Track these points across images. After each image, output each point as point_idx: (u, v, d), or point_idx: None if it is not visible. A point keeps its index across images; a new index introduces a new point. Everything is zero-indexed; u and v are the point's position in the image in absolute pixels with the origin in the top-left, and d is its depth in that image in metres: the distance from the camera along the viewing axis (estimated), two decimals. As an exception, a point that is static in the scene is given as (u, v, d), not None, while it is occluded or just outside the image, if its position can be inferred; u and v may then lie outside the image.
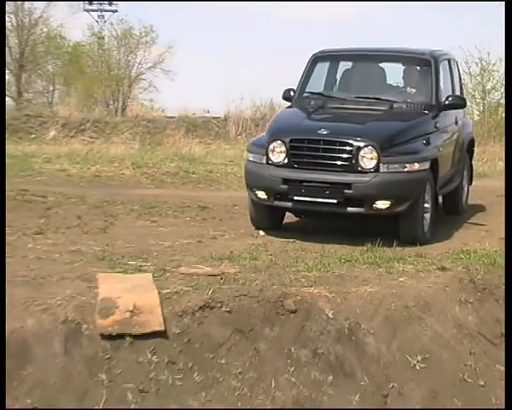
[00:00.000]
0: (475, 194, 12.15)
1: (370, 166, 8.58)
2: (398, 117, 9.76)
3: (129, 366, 5.46)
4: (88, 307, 5.73)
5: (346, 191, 8.57)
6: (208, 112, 30.32)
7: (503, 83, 26.08)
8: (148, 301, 5.88)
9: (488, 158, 20.34)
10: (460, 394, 5.97)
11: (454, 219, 10.52)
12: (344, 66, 10.78)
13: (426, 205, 9.03)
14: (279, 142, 8.91)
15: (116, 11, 45.29)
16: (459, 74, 11.55)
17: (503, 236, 9.07)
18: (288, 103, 10.54)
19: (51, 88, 40.79)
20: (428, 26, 66.42)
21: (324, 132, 8.80)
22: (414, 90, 10.16)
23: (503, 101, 26.26)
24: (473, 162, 12.19)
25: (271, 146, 8.93)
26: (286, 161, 8.85)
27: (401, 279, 7.01)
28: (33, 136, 24.23)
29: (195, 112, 30.15)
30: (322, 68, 10.60)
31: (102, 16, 45.51)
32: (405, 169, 8.69)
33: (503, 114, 25.90)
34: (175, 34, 61.01)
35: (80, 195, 11.05)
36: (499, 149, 22.08)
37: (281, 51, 64.26)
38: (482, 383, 6.12)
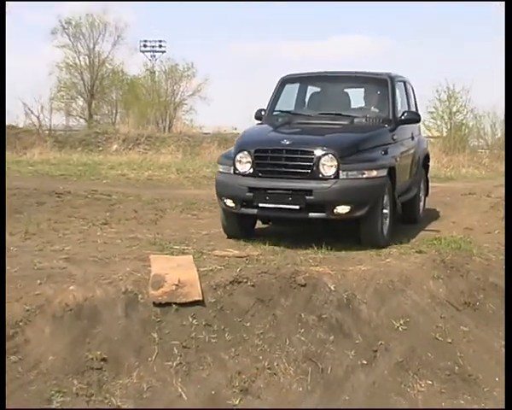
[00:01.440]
0: (445, 193, 12.07)
1: (330, 173, 7.30)
2: (358, 129, 8.46)
3: (175, 328, 5.44)
4: (143, 281, 5.72)
5: (308, 197, 7.28)
6: (235, 129, 30.30)
7: (465, 106, 26.15)
8: (190, 277, 5.85)
9: (454, 165, 20.33)
10: (433, 349, 5.92)
11: (425, 211, 10.40)
12: (312, 88, 9.60)
13: (385, 211, 7.82)
14: (245, 152, 7.63)
15: (164, 52, 45.77)
16: (414, 97, 10.14)
17: (468, 226, 9.06)
18: None
19: (114, 111, 40.95)
20: (402, 60, 66.00)
21: (287, 143, 7.55)
22: (375, 109, 8.90)
23: (465, 121, 26.29)
24: (428, 176, 10.64)
25: (238, 157, 7.64)
26: (251, 170, 7.55)
27: (388, 260, 6.97)
28: (100, 148, 24.30)
29: (226, 129, 30.15)
30: (293, 90, 9.36)
31: (154, 56, 45.97)
32: (364, 175, 7.43)
33: (466, 131, 25.98)
34: (211, 68, 60.83)
35: (136, 194, 11.05)
36: (462, 158, 22.05)
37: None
38: (450, 340, 6.05)
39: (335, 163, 7.29)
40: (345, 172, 7.30)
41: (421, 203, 9.98)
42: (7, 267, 5.73)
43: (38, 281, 5.45)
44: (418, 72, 54.46)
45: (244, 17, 75.41)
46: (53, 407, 4.32)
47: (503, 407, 4.57)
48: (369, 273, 6.50)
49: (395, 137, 8.47)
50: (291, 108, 9.13)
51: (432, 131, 26.80)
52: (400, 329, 6.00)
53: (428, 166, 10.63)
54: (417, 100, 10.05)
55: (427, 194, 10.34)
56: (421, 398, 5.37)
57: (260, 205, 7.45)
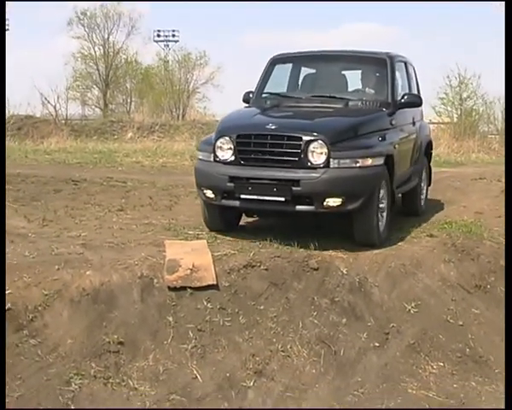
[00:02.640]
0: (455, 178, 11.97)
1: (320, 162, 6.39)
2: (352, 113, 7.50)
3: (189, 311, 5.44)
4: (158, 266, 5.72)
5: (295, 188, 6.38)
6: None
7: (476, 92, 25.98)
8: (204, 262, 5.86)
9: (464, 151, 20.19)
10: (444, 331, 5.92)
11: (435, 196, 10.34)
12: (305, 69, 8.55)
13: (381, 204, 6.93)
14: (226, 138, 6.73)
15: (178, 41, 45.73)
16: (416, 79, 9.11)
17: (478, 210, 9.00)
18: None
19: (129, 100, 40.97)
20: (414, 47, 65.55)
21: (272, 127, 6.62)
22: (372, 91, 7.96)
23: (475, 107, 26.12)
24: (431, 164, 9.66)
25: (218, 143, 6.75)
26: (233, 158, 6.66)
27: (399, 244, 6.95)
28: (116, 136, 24.32)
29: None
30: (285, 71, 8.39)
31: (167, 45, 45.97)
32: (357, 164, 6.51)
33: (476, 117, 25.80)
34: (224, 56, 60.78)
35: (151, 181, 11.04)
36: (472, 143, 21.90)
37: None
38: (461, 323, 6.07)
39: (325, 150, 6.40)
40: (336, 161, 6.42)
41: (423, 194, 9.12)
42: (25, 253, 5.77)
43: (56, 266, 5.47)
44: (430, 59, 54.15)
45: (258, 6, 75.04)
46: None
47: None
48: (380, 257, 6.49)
49: (394, 121, 7.57)
50: (282, 90, 8.23)
51: (442, 116, 26.66)
52: (412, 311, 6.00)
53: (431, 153, 9.70)
54: (419, 82, 9.17)
55: (429, 184, 9.48)
56: (432, 379, 5.36)
57: (242, 196, 6.58)
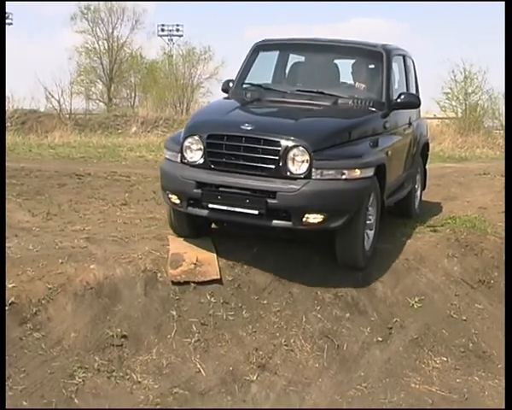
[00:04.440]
0: (459, 174, 11.97)
1: (300, 172, 5.58)
2: (341, 114, 6.62)
3: (193, 305, 5.46)
4: (162, 260, 5.74)
5: (270, 201, 5.53)
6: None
7: (481, 87, 25.96)
8: (208, 256, 5.87)
9: (468, 146, 20.18)
10: (447, 326, 5.94)
11: (439, 191, 10.32)
12: (292, 59, 7.59)
13: (369, 220, 6.19)
14: (195, 138, 5.88)
15: (182, 36, 45.67)
16: (415, 75, 8.28)
17: (482, 205, 8.99)
18: None
19: (133, 95, 40.93)
20: (421, 45, 65.41)
21: (248, 128, 5.72)
22: (363, 86, 7.04)
23: (480, 102, 26.11)
24: (426, 167, 8.93)
25: (186, 143, 5.91)
26: (202, 160, 5.83)
27: (403, 239, 6.96)
28: (120, 131, 24.31)
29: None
30: (270, 59, 7.51)
31: (171, 40, 45.91)
32: (343, 176, 5.66)
33: (481, 112, 25.77)
34: (228, 51, 60.67)
35: (155, 175, 10.98)
36: (477, 138, 21.90)
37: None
38: (464, 318, 6.09)
39: (307, 158, 5.58)
40: (319, 171, 5.60)
41: (417, 198, 8.47)
42: (29, 247, 5.78)
43: (60, 260, 5.49)
44: (436, 54, 54.00)
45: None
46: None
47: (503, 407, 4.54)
48: (384, 252, 6.49)
49: (387, 124, 6.78)
50: (266, 81, 7.34)
51: (447, 111, 26.64)
52: (415, 306, 6.01)
53: (428, 155, 8.93)
54: (420, 78, 8.49)
55: (424, 188, 8.82)
56: (435, 374, 5.37)
57: (210, 206, 5.75)
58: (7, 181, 8.04)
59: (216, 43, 63.37)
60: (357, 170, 5.78)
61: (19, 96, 25.67)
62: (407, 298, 6.06)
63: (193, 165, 5.89)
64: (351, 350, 5.41)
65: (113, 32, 40.87)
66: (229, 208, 5.68)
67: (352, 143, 6.05)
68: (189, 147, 5.93)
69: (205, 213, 5.83)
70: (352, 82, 7.20)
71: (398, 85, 7.31)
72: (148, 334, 5.13)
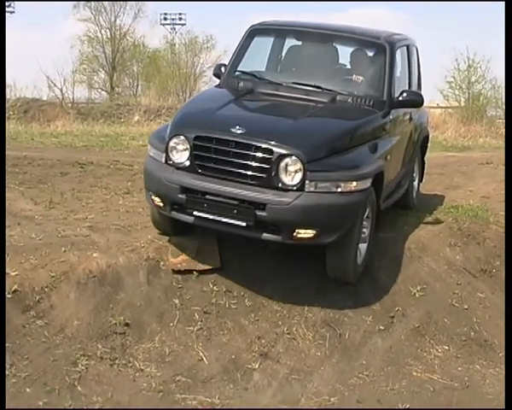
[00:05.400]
0: (462, 163, 11.96)
1: (293, 183, 5.18)
2: (339, 115, 6.18)
3: (196, 294, 5.48)
4: (164, 249, 5.76)
5: (259, 213, 5.14)
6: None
7: (484, 76, 25.90)
8: (209, 244, 5.88)
9: (471, 135, 20.13)
10: (449, 315, 5.95)
11: (442, 181, 10.30)
12: (288, 45, 7.04)
13: (363, 233, 5.84)
14: (182, 138, 5.43)
15: (184, 24, 45.65)
16: (419, 63, 7.78)
17: (485, 194, 8.99)
18: None
19: (135, 84, 40.88)
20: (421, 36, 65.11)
21: (238, 131, 5.28)
22: (361, 78, 6.53)
23: (484, 91, 26.04)
24: (425, 159, 8.48)
25: (172, 143, 5.48)
26: (188, 163, 5.39)
27: (405, 228, 6.96)
28: (122, 120, 24.27)
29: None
30: (265, 45, 7.01)
31: (174, 28, 45.92)
32: (338, 189, 5.27)
33: (484, 101, 25.72)
34: (230, 41, 60.46)
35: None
36: (479, 128, 21.85)
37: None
38: (466, 306, 6.10)
39: (301, 169, 5.19)
40: (313, 183, 5.21)
41: (415, 188, 8.14)
42: (32, 236, 5.80)
43: (63, 248, 5.50)
44: (439, 43, 53.81)
45: (263, -11, 74.53)
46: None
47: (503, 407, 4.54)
48: (386, 241, 6.50)
49: (387, 126, 6.34)
50: (261, 68, 6.88)
51: (450, 100, 26.59)
52: (417, 295, 6.02)
53: (427, 146, 8.48)
54: (422, 69, 7.99)
55: (421, 179, 8.43)
56: (437, 363, 5.39)
57: (195, 213, 5.36)
58: (9, 170, 8.05)
59: (218, 31, 63.29)
60: (353, 182, 5.39)
61: (21, 84, 25.65)
62: (409, 287, 6.07)
63: (178, 167, 5.46)
64: (353, 339, 5.43)
65: (115, 21, 40.82)
66: (216, 218, 5.29)
67: (349, 150, 5.62)
68: (174, 147, 5.49)
69: (190, 219, 5.44)
70: (353, 77, 6.65)
71: (400, 81, 6.81)
72: (150, 322, 5.15)
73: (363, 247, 5.90)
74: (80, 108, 26.33)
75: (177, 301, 5.35)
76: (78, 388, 4.40)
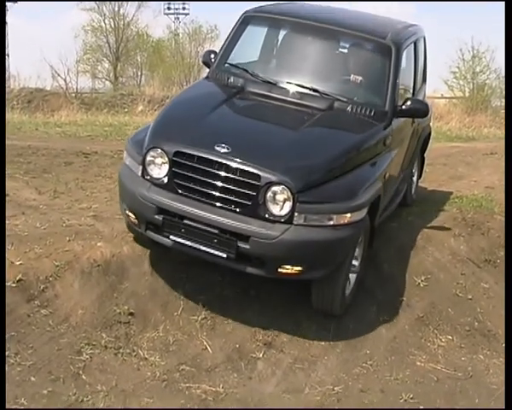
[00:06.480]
0: (466, 153, 11.92)
1: (281, 214, 4.66)
2: (336, 130, 5.59)
3: (200, 283, 5.48)
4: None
5: (241, 245, 4.67)
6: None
7: (489, 66, 25.84)
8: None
9: (476, 125, 20.08)
10: (453, 305, 5.95)
11: (446, 171, 10.27)
12: (285, 37, 6.36)
13: (353, 266, 5.36)
14: (159, 151, 4.89)
15: (188, 14, 45.58)
16: (425, 56, 7.23)
17: (489, 185, 8.97)
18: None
19: (139, 73, 40.88)
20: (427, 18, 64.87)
21: (223, 150, 4.73)
22: (360, 78, 5.87)
23: (488, 81, 26.00)
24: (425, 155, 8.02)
25: (149, 156, 4.93)
26: (166, 180, 4.87)
27: (409, 218, 6.95)
28: (126, 110, 24.24)
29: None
30: (259, 34, 6.42)
31: (178, 18, 45.93)
32: (331, 222, 4.75)
33: (489, 91, 25.66)
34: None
35: (162, 154, 11.02)
36: (484, 118, 21.81)
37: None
38: (470, 296, 6.11)
39: (290, 198, 4.66)
40: (302, 216, 4.69)
41: (414, 184, 7.69)
42: (36, 225, 5.80)
43: (67, 238, 5.51)
44: (444, 33, 53.57)
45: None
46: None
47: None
48: (391, 231, 6.49)
49: (388, 141, 5.72)
50: (253, 59, 6.33)
51: (454, 91, 26.55)
52: (421, 285, 6.02)
53: (428, 142, 7.88)
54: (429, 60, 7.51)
55: (420, 175, 7.97)
56: (441, 352, 5.40)
57: (172, 237, 4.87)
58: (14, 159, 8.06)
59: (222, 21, 62.88)
60: (348, 214, 4.86)
61: (25, 74, 25.69)
62: (413, 277, 6.07)
63: (155, 183, 4.93)
64: (357, 328, 5.43)
65: (119, 10, 40.74)
66: (194, 245, 4.80)
67: (345, 175, 5.05)
68: (152, 161, 4.96)
69: (168, 243, 4.93)
70: (353, 80, 5.98)
71: (404, 69, 6.25)
72: (154, 311, 5.16)
73: (352, 277, 5.43)
74: (84, 98, 26.31)
75: (181, 291, 5.36)
76: (83, 376, 4.41)
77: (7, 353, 4.39)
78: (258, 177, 4.68)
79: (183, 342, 4.97)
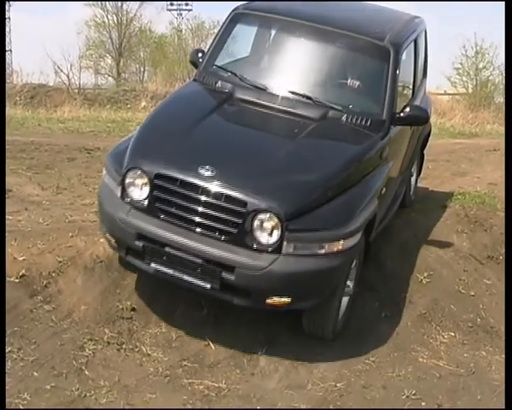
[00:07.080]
0: (469, 149, 11.90)
1: (269, 243, 4.36)
2: (329, 145, 5.26)
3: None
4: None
5: (226, 276, 4.38)
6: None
7: (492, 62, 25.81)
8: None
9: (479, 122, 20.03)
10: (456, 302, 5.95)
11: (449, 167, 10.27)
12: (276, 37, 5.98)
13: (346, 287, 5.03)
14: (139, 172, 4.58)
15: (191, 10, 45.57)
16: (426, 50, 6.91)
17: (492, 181, 8.96)
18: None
19: (142, 69, 40.90)
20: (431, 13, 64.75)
21: (206, 174, 4.42)
22: (357, 83, 5.50)
23: (491, 77, 25.97)
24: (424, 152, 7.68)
25: (129, 177, 4.61)
26: (147, 203, 4.55)
27: (412, 214, 6.95)
28: (129, 106, 24.25)
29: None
30: (249, 33, 6.11)
31: (181, 14, 45.83)
32: (322, 251, 4.42)
33: (492, 87, 25.62)
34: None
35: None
36: (487, 114, 21.76)
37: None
38: (473, 293, 6.10)
39: (278, 226, 4.35)
40: (291, 245, 4.37)
41: (412, 185, 7.38)
42: (39, 221, 5.81)
43: (70, 234, 5.52)
44: (447, 29, 53.49)
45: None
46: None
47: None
48: (394, 227, 6.49)
49: (385, 152, 5.36)
50: (243, 55, 6.03)
51: (457, 87, 26.52)
52: (424, 282, 6.02)
53: (428, 140, 7.49)
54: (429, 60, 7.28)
55: (419, 174, 7.66)
56: (443, 349, 5.39)
57: (153, 265, 4.58)
58: (17, 155, 8.07)
59: (225, 18, 62.86)
60: (340, 241, 4.51)
61: (28, 70, 25.71)
62: (416, 273, 6.07)
63: (136, 206, 4.62)
64: (359, 325, 5.43)
65: (122, 6, 40.72)
66: (176, 274, 4.53)
67: (338, 198, 4.68)
68: (131, 183, 4.64)
69: (150, 269, 4.63)
70: (349, 85, 5.62)
71: (404, 67, 5.91)
72: (157, 307, 5.16)
73: (345, 301, 5.09)
74: (87, 94, 26.31)
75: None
76: (86, 372, 4.42)
77: (10, 348, 4.40)
78: (244, 203, 4.38)
79: (186, 338, 4.97)
